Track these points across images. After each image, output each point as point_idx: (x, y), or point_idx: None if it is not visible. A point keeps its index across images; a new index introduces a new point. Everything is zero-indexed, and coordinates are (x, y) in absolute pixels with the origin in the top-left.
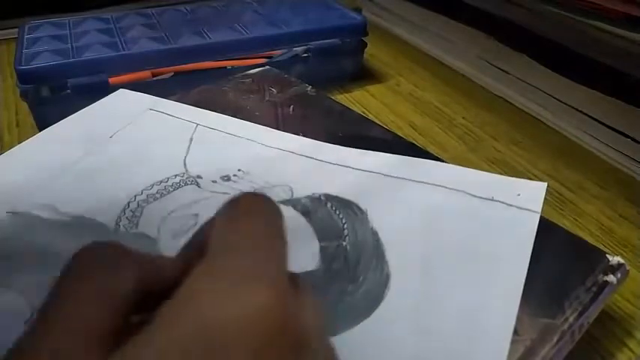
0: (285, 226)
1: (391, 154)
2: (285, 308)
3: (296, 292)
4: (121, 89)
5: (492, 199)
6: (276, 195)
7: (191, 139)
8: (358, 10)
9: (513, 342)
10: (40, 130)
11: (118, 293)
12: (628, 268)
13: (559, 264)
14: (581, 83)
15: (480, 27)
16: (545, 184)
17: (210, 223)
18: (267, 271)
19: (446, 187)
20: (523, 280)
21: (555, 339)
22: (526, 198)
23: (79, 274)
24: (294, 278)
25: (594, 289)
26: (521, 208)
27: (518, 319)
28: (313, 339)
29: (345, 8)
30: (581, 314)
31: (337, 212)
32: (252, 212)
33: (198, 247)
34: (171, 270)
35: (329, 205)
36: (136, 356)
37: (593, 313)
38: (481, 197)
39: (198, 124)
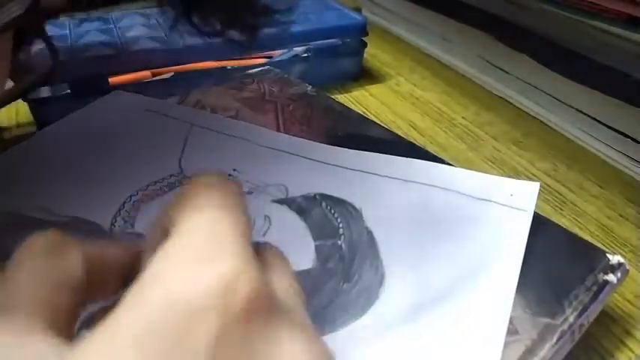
0: (245, 201)
1: (385, 155)
2: (251, 276)
3: (265, 263)
4: (115, 90)
5: (486, 199)
6: (272, 194)
7: (186, 140)
8: (358, 10)
9: (513, 342)
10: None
11: (65, 276)
12: (628, 267)
13: (559, 263)
14: (581, 83)
15: (480, 27)
16: (538, 184)
17: (171, 205)
18: (229, 244)
19: (440, 187)
20: (516, 280)
21: (555, 339)
22: (519, 198)
23: (20, 264)
24: (263, 252)
25: (594, 288)
26: (514, 208)
27: (518, 318)
28: (286, 308)
29: (345, 8)
30: (581, 314)
31: (332, 211)
32: (210, 190)
33: (162, 229)
34: (132, 253)
35: (324, 204)
36: (104, 336)
37: (593, 312)
38: (474, 197)
39: (192, 124)
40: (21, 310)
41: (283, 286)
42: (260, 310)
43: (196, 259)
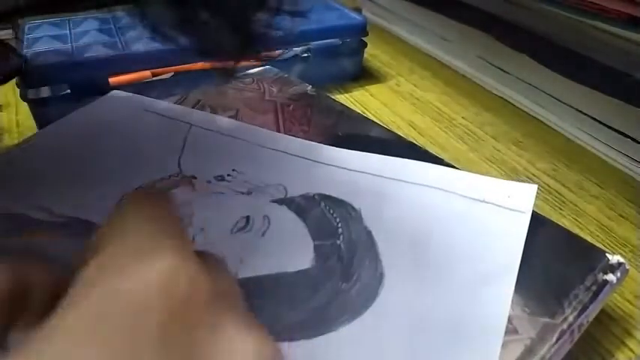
0: (176, 208)
1: (384, 156)
2: (190, 270)
3: (204, 262)
4: (114, 91)
5: (483, 201)
6: (271, 194)
7: (185, 140)
8: (358, 10)
9: (512, 341)
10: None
11: None
12: (628, 267)
13: (558, 263)
14: (581, 83)
15: (480, 27)
16: (536, 186)
17: (98, 230)
18: (166, 243)
19: (438, 189)
20: (514, 281)
21: (554, 338)
22: (517, 200)
23: None
24: (201, 255)
25: (594, 288)
26: (511, 210)
27: (517, 317)
28: (228, 303)
29: (345, 8)
30: (580, 313)
31: (331, 211)
32: (136, 203)
33: (89, 251)
34: (61, 277)
35: (323, 204)
36: (56, 331)
37: (592, 312)
38: (472, 198)
39: (192, 125)
40: None
41: (222, 285)
42: (201, 301)
43: (135, 257)
